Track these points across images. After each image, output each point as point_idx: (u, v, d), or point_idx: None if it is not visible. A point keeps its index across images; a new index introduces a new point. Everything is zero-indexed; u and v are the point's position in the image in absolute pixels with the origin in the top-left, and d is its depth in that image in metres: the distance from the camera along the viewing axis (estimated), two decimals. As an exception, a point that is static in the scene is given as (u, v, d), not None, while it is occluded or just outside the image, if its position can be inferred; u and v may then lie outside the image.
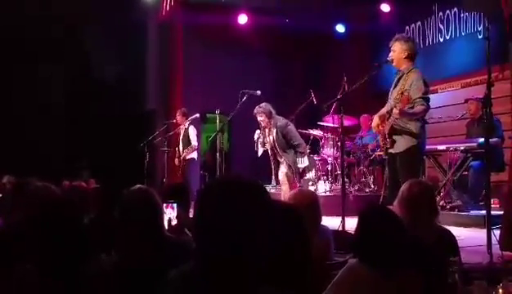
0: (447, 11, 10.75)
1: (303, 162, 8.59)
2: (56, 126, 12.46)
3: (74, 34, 12.32)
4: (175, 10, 12.46)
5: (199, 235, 1.95)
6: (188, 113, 11.08)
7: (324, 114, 10.31)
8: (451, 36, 10.67)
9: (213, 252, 1.86)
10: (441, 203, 7.89)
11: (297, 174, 8.59)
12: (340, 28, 13.46)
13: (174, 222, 4.23)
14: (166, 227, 3.68)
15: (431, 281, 3.01)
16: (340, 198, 7.02)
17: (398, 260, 2.89)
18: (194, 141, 10.89)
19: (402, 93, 5.85)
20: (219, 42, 13.05)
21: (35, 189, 3.99)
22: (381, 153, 7.22)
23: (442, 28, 10.89)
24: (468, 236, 6.14)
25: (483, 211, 6.46)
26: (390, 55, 6.22)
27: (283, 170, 8.70)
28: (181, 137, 11.07)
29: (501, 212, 6.03)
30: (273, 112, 8.60)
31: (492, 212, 5.57)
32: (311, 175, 10.29)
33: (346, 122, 8.86)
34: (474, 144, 7.80)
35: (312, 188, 9.85)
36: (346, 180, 8.96)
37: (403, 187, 3.71)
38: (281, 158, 8.63)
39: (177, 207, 4.34)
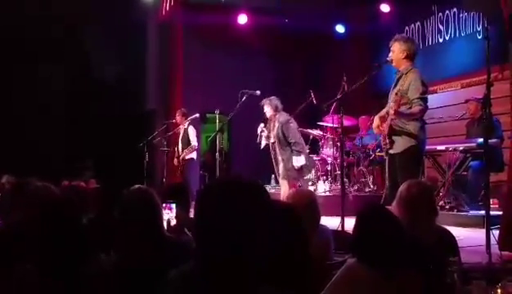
0: (447, 12, 10.75)
1: (299, 161, 8.59)
2: (56, 126, 12.46)
3: (74, 34, 12.32)
4: (175, 10, 12.45)
5: (199, 235, 1.96)
6: (188, 113, 11.08)
7: (324, 114, 10.32)
8: (450, 36, 10.67)
9: (213, 252, 1.87)
10: (440, 203, 7.90)
11: (293, 172, 8.61)
12: (340, 28, 13.47)
13: (173, 222, 4.24)
14: (165, 227, 3.68)
15: (430, 281, 3.01)
16: (340, 198, 7.02)
17: (397, 260, 2.89)
18: (194, 141, 10.89)
19: (397, 94, 5.85)
20: (219, 42, 13.06)
21: (35, 188, 3.99)
22: (382, 153, 7.22)
23: (441, 28, 10.90)
24: (467, 236, 6.14)
25: (482, 212, 6.46)
26: (390, 55, 6.23)
27: (281, 167, 8.75)
28: (180, 137, 11.06)
29: (500, 212, 6.04)
30: (279, 107, 8.76)
31: (491, 212, 5.58)
32: (311, 175, 10.33)
33: (346, 123, 8.85)
34: (474, 145, 7.80)
35: (311, 188, 9.87)
36: (345, 180, 8.96)
37: (402, 187, 3.71)
38: (280, 155, 8.67)
39: (177, 207, 4.34)
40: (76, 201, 3.30)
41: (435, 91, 10.26)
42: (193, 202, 4.89)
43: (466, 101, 8.69)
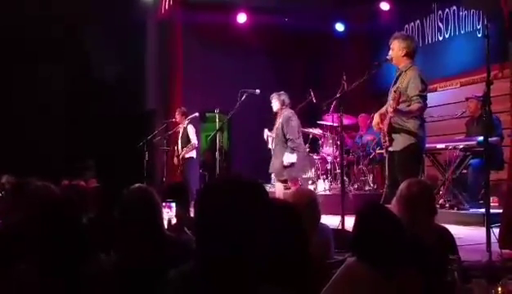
0: (447, 10, 10.75)
1: (290, 159, 8.56)
2: (56, 126, 12.46)
3: (74, 34, 12.31)
4: (174, 9, 12.46)
5: (199, 235, 1.96)
6: (187, 112, 11.07)
7: (323, 113, 10.32)
8: (450, 34, 10.67)
9: (213, 252, 1.87)
10: (440, 202, 7.90)
11: (280, 169, 8.67)
12: (340, 26, 13.47)
13: (173, 221, 4.24)
14: (166, 226, 3.68)
15: (430, 280, 3.01)
16: (340, 197, 7.02)
17: (397, 258, 2.89)
18: (193, 139, 10.88)
19: (395, 91, 5.85)
20: (218, 41, 13.05)
21: (35, 188, 3.99)
22: (382, 151, 7.23)
23: (441, 26, 10.90)
24: (467, 234, 6.15)
25: (482, 210, 6.46)
26: (389, 53, 6.22)
27: (272, 163, 8.84)
28: (180, 136, 11.06)
29: (500, 211, 6.04)
30: (286, 102, 8.79)
31: (491, 211, 5.58)
32: (310, 174, 10.34)
33: (345, 121, 8.87)
34: (474, 143, 7.80)
35: (311, 187, 9.88)
36: (345, 178, 8.96)
37: (402, 186, 3.71)
38: (276, 151, 8.78)
39: (177, 206, 4.35)
40: (76, 200, 3.31)
41: (435, 89, 10.27)
42: (193, 202, 4.92)
43: (467, 99, 8.69)
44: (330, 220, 6.38)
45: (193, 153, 11.01)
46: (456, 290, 2.96)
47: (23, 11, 11.84)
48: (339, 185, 8.34)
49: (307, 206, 3.80)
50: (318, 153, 10.77)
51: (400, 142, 5.92)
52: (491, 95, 5.50)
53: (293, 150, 8.56)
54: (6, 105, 11.95)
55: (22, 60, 11.96)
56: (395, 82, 6.13)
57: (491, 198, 6.36)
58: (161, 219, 3.37)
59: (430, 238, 3.52)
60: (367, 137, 10.71)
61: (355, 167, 10.83)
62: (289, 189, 8.83)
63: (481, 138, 7.21)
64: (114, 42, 12.01)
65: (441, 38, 10.92)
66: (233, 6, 12.86)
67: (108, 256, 3.13)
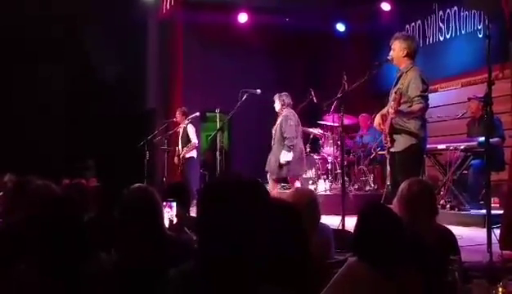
0: (448, 10, 10.73)
1: (286, 157, 8.70)
2: (56, 126, 12.46)
3: (74, 34, 12.31)
4: (175, 9, 12.46)
5: (200, 234, 1.96)
6: (188, 112, 11.08)
7: (324, 113, 10.31)
8: (451, 35, 10.66)
9: (213, 251, 1.87)
10: (441, 202, 7.89)
11: (275, 168, 8.81)
12: (340, 27, 13.46)
13: (174, 220, 4.24)
14: (166, 226, 3.68)
15: (431, 280, 3.00)
16: (340, 197, 7.02)
17: (398, 258, 2.88)
18: (193, 139, 10.89)
19: (396, 92, 5.84)
20: (219, 41, 13.05)
21: (36, 187, 3.99)
22: (383, 151, 7.22)
23: (442, 26, 10.88)
24: (468, 235, 6.14)
25: (483, 211, 6.46)
26: (390, 53, 6.22)
27: (268, 162, 8.97)
28: (180, 136, 11.06)
29: (501, 212, 6.02)
30: (286, 102, 8.98)
31: (492, 211, 5.57)
32: (310, 173, 10.34)
33: (346, 121, 8.87)
34: (474, 144, 7.79)
35: (312, 187, 9.87)
36: (346, 178, 8.97)
37: (403, 186, 3.71)
38: (274, 149, 8.90)
39: (177, 205, 4.34)
40: (77, 199, 3.30)
41: (436, 90, 10.26)
42: (193, 201, 4.92)
43: (469, 99, 8.68)
44: (331, 221, 6.37)
45: (194, 153, 11.01)
46: (457, 290, 2.96)
47: (23, 11, 11.84)
48: (340, 185, 8.34)
49: (307, 205, 3.79)
50: (319, 153, 10.76)
51: (401, 143, 5.92)
52: (492, 95, 5.49)
53: (289, 148, 8.66)
54: (6, 105, 11.95)
55: (22, 60, 11.97)
56: (396, 83, 6.12)
57: (492, 199, 6.35)
58: (161, 218, 3.36)
59: (431, 237, 3.52)
60: (368, 141, 10.71)
61: (355, 167, 10.82)
62: (289, 188, 8.91)
63: (482, 139, 7.21)
64: (114, 42, 12.01)
65: (442, 39, 10.90)
66: (234, 6, 12.86)
67: (109, 255, 3.12)
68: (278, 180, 9.20)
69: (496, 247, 5.10)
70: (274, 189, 8.83)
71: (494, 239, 5.15)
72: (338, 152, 10.08)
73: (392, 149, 6.03)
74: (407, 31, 11.29)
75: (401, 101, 5.79)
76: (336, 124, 10.01)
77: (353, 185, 10.44)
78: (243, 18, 13.04)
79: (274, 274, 2.12)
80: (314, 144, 10.93)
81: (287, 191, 9.18)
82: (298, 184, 8.86)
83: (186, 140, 10.90)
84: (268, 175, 8.98)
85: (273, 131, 9.01)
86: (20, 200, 3.88)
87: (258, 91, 8.84)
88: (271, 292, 1.96)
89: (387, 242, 2.89)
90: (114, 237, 3.23)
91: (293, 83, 13.05)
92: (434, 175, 8.81)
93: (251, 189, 1.94)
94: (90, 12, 12.07)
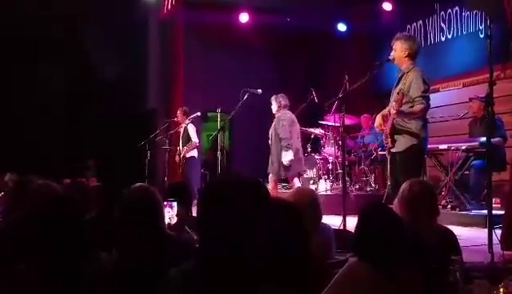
0: (449, 10, 10.73)
1: (287, 156, 8.72)
2: (56, 126, 12.46)
3: (74, 34, 12.32)
4: (176, 9, 12.47)
5: (200, 234, 1.96)
6: (189, 111, 11.08)
7: (325, 113, 10.32)
8: (452, 35, 10.65)
9: (213, 251, 1.87)
10: (442, 203, 7.89)
11: (279, 169, 8.79)
12: (342, 27, 13.46)
13: (174, 220, 4.23)
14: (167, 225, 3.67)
15: (431, 280, 3.00)
16: (341, 197, 7.01)
17: (398, 258, 2.88)
18: (194, 138, 10.88)
19: (398, 93, 5.84)
20: (220, 40, 13.06)
21: (37, 187, 3.98)
22: (384, 152, 7.21)
23: (443, 27, 10.88)
24: (469, 235, 6.14)
25: (485, 211, 6.45)
26: (391, 54, 6.21)
27: (270, 163, 9.00)
28: (181, 135, 11.07)
29: (503, 212, 6.00)
30: (283, 104, 8.99)
31: (494, 212, 5.55)
32: (312, 173, 10.34)
33: (347, 121, 8.87)
34: (476, 144, 7.78)
35: (313, 187, 9.87)
36: (347, 179, 8.97)
37: (404, 186, 3.70)
38: (272, 151, 8.95)
39: (178, 205, 4.34)
40: (78, 199, 3.29)
41: (437, 90, 10.25)
42: (194, 201, 4.91)
43: (470, 99, 8.66)
44: (332, 221, 6.35)
45: (195, 153, 11.01)
46: (458, 291, 2.95)
47: (23, 11, 11.85)
48: (341, 185, 8.35)
49: (308, 205, 3.78)
50: (320, 153, 10.77)
51: (402, 143, 5.91)
52: (494, 95, 5.48)
53: (287, 148, 8.71)
54: (6, 105, 11.95)
55: (22, 60, 11.98)
56: (397, 84, 6.12)
57: (494, 200, 6.33)
58: (162, 218, 3.36)
59: (432, 238, 3.51)
60: (369, 141, 10.70)
61: (356, 167, 10.82)
62: (289, 188, 8.93)
63: (483, 139, 7.20)
64: (115, 42, 12.02)
65: (443, 39, 10.90)
66: (235, 6, 12.86)
67: (109, 254, 3.11)
68: (279, 181, 9.26)
69: (497, 248, 5.08)
70: (275, 189, 8.84)
71: (495, 240, 5.14)
72: (339, 152, 10.09)
73: (393, 150, 6.03)
74: (408, 31, 11.30)
75: (403, 101, 5.79)
76: (337, 124, 10.01)
77: (354, 185, 10.45)
78: (244, 18, 13.04)
79: (274, 274, 2.12)
80: (315, 144, 10.94)
81: (288, 191, 9.23)
82: (297, 182, 8.88)
83: (187, 140, 10.90)
84: (270, 177, 9.00)
85: (270, 134, 9.07)
86: (21, 200, 3.88)
87: (259, 90, 8.85)
88: (272, 292, 1.96)
89: (387, 243, 2.88)
90: (114, 237, 3.22)
91: (294, 83, 13.08)
92: (436, 176, 8.80)
93: (251, 189, 1.94)
94: (90, 12, 12.07)
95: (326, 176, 10.51)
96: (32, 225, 2.87)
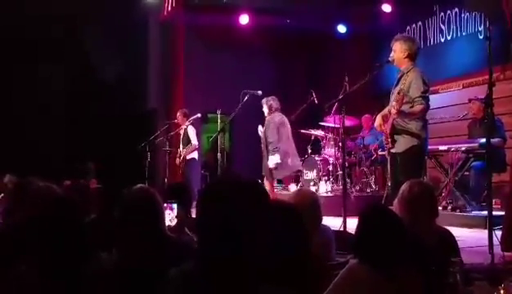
0: (448, 12, 10.73)
1: (273, 160, 8.96)
2: (56, 126, 12.45)
3: (74, 34, 12.31)
4: (177, 10, 12.46)
5: (200, 235, 1.96)
6: (189, 113, 11.09)
7: (325, 114, 10.32)
8: (452, 36, 10.65)
9: (213, 252, 1.87)
10: (442, 204, 7.89)
11: (267, 172, 9.08)
12: (341, 28, 13.45)
13: (174, 222, 4.23)
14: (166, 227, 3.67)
15: (431, 281, 3.00)
16: (341, 199, 7.01)
17: (398, 260, 2.87)
18: (194, 140, 10.90)
19: (399, 93, 5.84)
20: (221, 42, 13.07)
21: (37, 189, 3.98)
22: (384, 152, 7.21)
23: (443, 28, 10.88)
24: (469, 237, 6.13)
25: (485, 212, 6.44)
26: (391, 55, 6.22)
27: (263, 166, 9.23)
28: (181, 137, 11.08)
29: (503, 213, 6.00)
30: (274, 108, 9.19)
31: (494, 213, 5.55)
32: (312, 175, 10.35)
33: (347, 123, 8.88)
34: (476, 145, 7.78)
35: (313, 188, 9.86)
36: (347, 180, 8.97)
37: (403, 187, 3.69)
38: (264, 154, 9.15)
39: (178, 206, 4.34)
40: (78, 201, 3.29)
41: (437, 91, 10.25)
42: (194, 202, 4.90)
43: (469, 101, 8.66)
44: (332, 222, 6.34)
45: (195, 154, 11.03)
46: (458, 292, 2.94)
47: (23, 11, 11.84)
48: (341, 187, 8.35)
49: (308, 207, 3.78)
50: (320, 155, 10.76)
51: (402, 144, 5.92)
52: (494, 96, 5.49)
53: (273, 152, 8.91)
54: (6, 105, 11.95)
55: (22, 60, 11.97)
56: (396, 84, 6.13)
57: (494, 201, 6.34)
58: (163, 219, 3.35)
59: (431, 239, 3.51)
60: (369, 142, 10.70)
61: (357, 168, 10.81)
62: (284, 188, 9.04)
63: (483, 140, 7.19)
64: (115, 41, 12.01)
65: (443, 40, 10.90)
66: (235, 7, 12.85)
67: (109, 255, 3.11)
68: (273, 182, 9.43)
69: (497, 249, 5.08)
70: (272, 191, 8.90)
71: (495, 241, 5.14)
72: (339, 153, 10.08)
73: (393, 150, 6.03)
74: (408, 32, 11.31)
75: (403, 102, 5.79)
76: (337, 125, 10.02)
77: (355, 187, 10.44)
78: (244, 19, 13.02)
79: (275, 275, 2.12)
80: (315, 146, 10.94)
81: (282, 191, 9.34)
82: (292, 185, 9.07)
83: (187, 142, 10.92)
84: (264, 179, 9.10)
85: (261, 137, 9.28)
86: (21, 201, 3.88)
87: (259, 92, 8.89)
88: (272, 292, 1.96)
89: (387, 244, 2.88)
90: (115, 238, 3.22)
91: (294, 84, 13.10)
92: (436, 177, 8.81)
93: (250, 190, 1.94)
94: (90, 12, 12.06)
95: (327, 178, 10.50)
96: (32, 227, 2.87)
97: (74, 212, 2.94)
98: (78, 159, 11.43)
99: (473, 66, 9.46)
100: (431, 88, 6.40)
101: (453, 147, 8.10)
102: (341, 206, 6.71)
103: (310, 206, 3.87)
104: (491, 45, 5.43)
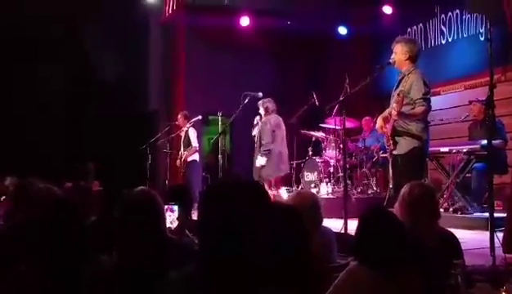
0: (449, 13, 10.72)
1: (259, 161, 9.20)
2: (56, 126, 12.46)
3: (74, 34, 12.32)
4: (178, 12, 12.46)
5: (201, 237, 1.96)
6: (190, 115, 11.10)
7: (326, 116, 10.31)
8: (453, 38, 10.64)
9: (214, 253, 1.87)
10: (444, 206, 7.87)
11: (256, 171, 9.26)
12: (342, 30, 13.43)
13: (175, 224, 4.23)
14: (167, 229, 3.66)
15: (432, 283, 2.99)
16: (342, 201, 7.00)
17: (398, 262, 2.87)
18: (194, 142, 10.92)
19: (398, 94, 5.84)
20: (221, 44, 13.06)
21: (37, 190, 3.98)
22: (386, 154, 7.21)
23: (444, 30, 10.87)
24: (471, 238, 6.12)
25: (486, 214, 6.42)
26: (392, 56, 6.22)
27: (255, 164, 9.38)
28: (182, 139, 11.09)
29: (504, 215, 6.00)
30: (270, 109, 9.32)
31: (495, 215, 5.55)
32: (314, 177, 10.35)
33: (348, 124, 8.86)
34: (477, 147, 7.76)
35: (314, 190, 9.86)
36: (348, 182, 8.97)
37: (404, 189, 3.68)
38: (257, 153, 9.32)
39: (178, 208, 4.33)
40: (79, 203, 3.29)
41: (438, 93, 10.24)
42: (195, 204, 4.90)
43: (470, 102, 8.66)
44: (333, 224, 6.34)
45: (196, 156, 11.04)
46: (459, 294, 2.94)
47: (23, 11, 11.85)
48: (342, 189, 8.33)
49: (308, 208, 3.78)
50: (321, 157, 10.75)
51: (403, 145, 5.91)
52: (495, 98, 5.48)
53: (263, 154, 9.11)
54: (6, 105, 11.95)
55: (22, 60, 11.98)
56: (397, 86, 6.13)
57: (495, 202, 6.33)
58: (163, 220, 3.35)
59: (433, 241, 3.50)
60: (370, 144, 10.69)
61: (358, 170, 10.79)
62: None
63: (484, 142, 7.19)
64: (115, 42, 12.03)
65: (444, 42, 10.89)
66: (236, 9, 12.83)
67: (109, 256, 3.11)
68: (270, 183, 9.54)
69: (499, 251, 5.07)
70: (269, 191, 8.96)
71: (497, 243, 5.13)
72: (340, 155, 10.07)
73: (394, 152, 6.03)
74: (409, 34, 11.29)
75: (404, 103, 5.79)
76: (338, 127, 10.02)
77: (356, 189, 10.42)
78: (245, 21, 13.01)
79: (275, 275, 2.12)
80: (316, 148, 10.93)
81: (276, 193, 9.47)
82: (282, 191, 9.31)
83: (188, 144, 10.94)
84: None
85: (256, 137, 9.44)
86: (22, 203, 3.88)
87: (260, 94, 8.92)
88: (272, 293, 1.95)
89: (388, 246, 2.87)
90: (115, 240, 3.22)
91: (295, 86, 13.10)
92: (437, 179, 8.79)
93: (251, 191, 1.94)
94: (90, 12, 12.07)
95: (328, 180, 10.48)
96: (32, 228, 2.87)
97: (74, 214, 2.94)
98: (78, 160, 11.43)
99: (474, 68, 9.45)
100: (432, 90, 6.40)
101: (454, 149, 8.08)
102: (342, 208, 6.72)
103: (310, 207, 3.87)
104: (492, 46, 5.43)
